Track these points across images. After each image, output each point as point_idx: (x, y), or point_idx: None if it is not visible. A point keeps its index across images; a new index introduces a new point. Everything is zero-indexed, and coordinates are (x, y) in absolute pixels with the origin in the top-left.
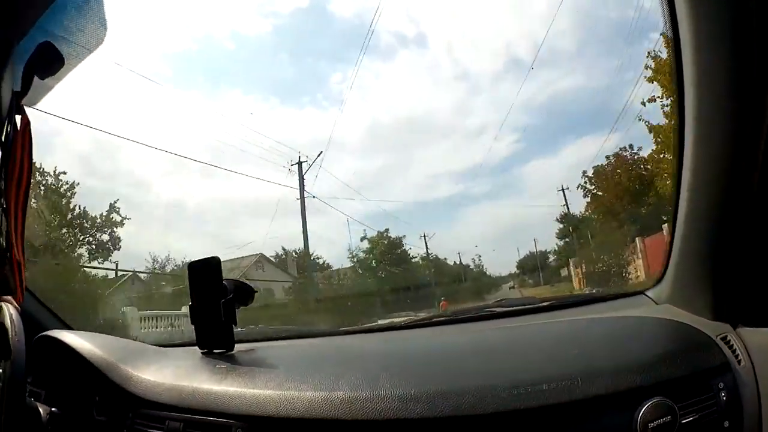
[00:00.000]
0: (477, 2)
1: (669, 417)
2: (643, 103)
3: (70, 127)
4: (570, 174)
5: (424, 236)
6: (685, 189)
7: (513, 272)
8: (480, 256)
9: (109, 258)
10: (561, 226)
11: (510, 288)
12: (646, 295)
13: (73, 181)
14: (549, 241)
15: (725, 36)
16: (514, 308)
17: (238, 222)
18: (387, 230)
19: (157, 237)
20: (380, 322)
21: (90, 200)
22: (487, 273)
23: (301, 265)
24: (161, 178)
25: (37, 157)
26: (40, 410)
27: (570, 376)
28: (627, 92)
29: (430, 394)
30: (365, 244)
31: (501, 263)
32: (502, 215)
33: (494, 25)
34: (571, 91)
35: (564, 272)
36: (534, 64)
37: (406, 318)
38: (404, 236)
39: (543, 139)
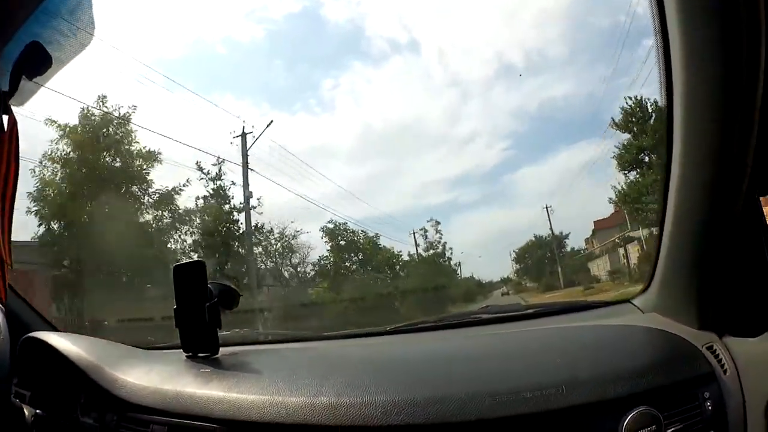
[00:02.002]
0: (468, 10)
1: (654, 426)
2: None
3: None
4: (562, 179)
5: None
6: (672, 198)
7: (505, 276)
8: (436, 222)
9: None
10: (628, 135)
11: (503, 294)
12: (632, 304)
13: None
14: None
15: (715, 46)
16: (500, 315)
17: None
18: None
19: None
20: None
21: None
22: (444, 254)
23: None
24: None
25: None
26: (25, 412)
27: (554, 384)
28: (617, 100)
29: (413, 401)
30: None
31: (492, 265)
32: (493, 221)
33: (485, 32)
34: (561, 99)
35: (600, 266)
36: (524, 72)
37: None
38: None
39: (534, 147)
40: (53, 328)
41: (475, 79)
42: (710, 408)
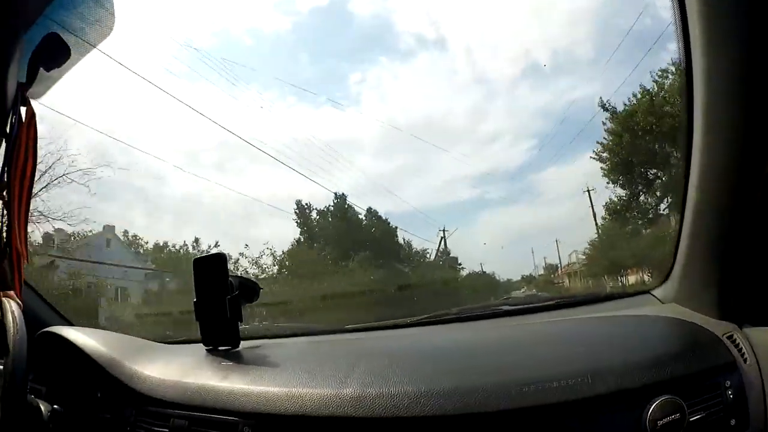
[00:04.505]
0: (495, 7)
1: (678, 415)
2: None
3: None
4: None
5: None
6: (692, 189)
7: (527, 274)
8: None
9: None
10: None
11: (523, 292)
12: (652, 295)
13: None
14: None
15: (735, 38)
16: (521, 306)
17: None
18: None
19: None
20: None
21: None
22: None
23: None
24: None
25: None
26: (41, 408)
27: (579, 374)
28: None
29: (440, 392)
30: None
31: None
32: (516, 220)
33: (513, 30)
34: (586, 100)
35: None
36: (550, 72)
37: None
38: None
39: (559, 147)
40: (69, 323)
41: (502, 77)
42: (731, 396)
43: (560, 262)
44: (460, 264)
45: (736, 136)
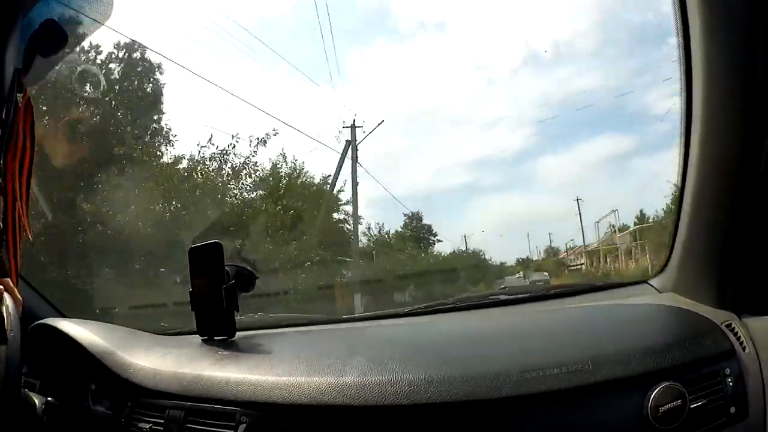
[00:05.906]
0: None
1: (679, 401)
2: None
3: None
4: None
5: None
6: (691, 178)
7: (523, 258)
8: None
9: None
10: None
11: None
12: (649, 284)
13: None
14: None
15: (735, 34)
16: (518, 296)
17: None
18: None
19: None
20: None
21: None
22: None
23: None
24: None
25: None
26: (36, 401)
27: (580, 361)
28: (643, 94)
29: (441, 379)
30: None
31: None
32: (512, 207)
33: (515, 17)
34: (587, 90)
35: None
36: (551, 61)
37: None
38: None
39: (557, 136)
40: (62, 315)
41: (502, 64)
42: (731, 384)
43: (583, 238)
44: (435, 234)
45: (734, 127)
